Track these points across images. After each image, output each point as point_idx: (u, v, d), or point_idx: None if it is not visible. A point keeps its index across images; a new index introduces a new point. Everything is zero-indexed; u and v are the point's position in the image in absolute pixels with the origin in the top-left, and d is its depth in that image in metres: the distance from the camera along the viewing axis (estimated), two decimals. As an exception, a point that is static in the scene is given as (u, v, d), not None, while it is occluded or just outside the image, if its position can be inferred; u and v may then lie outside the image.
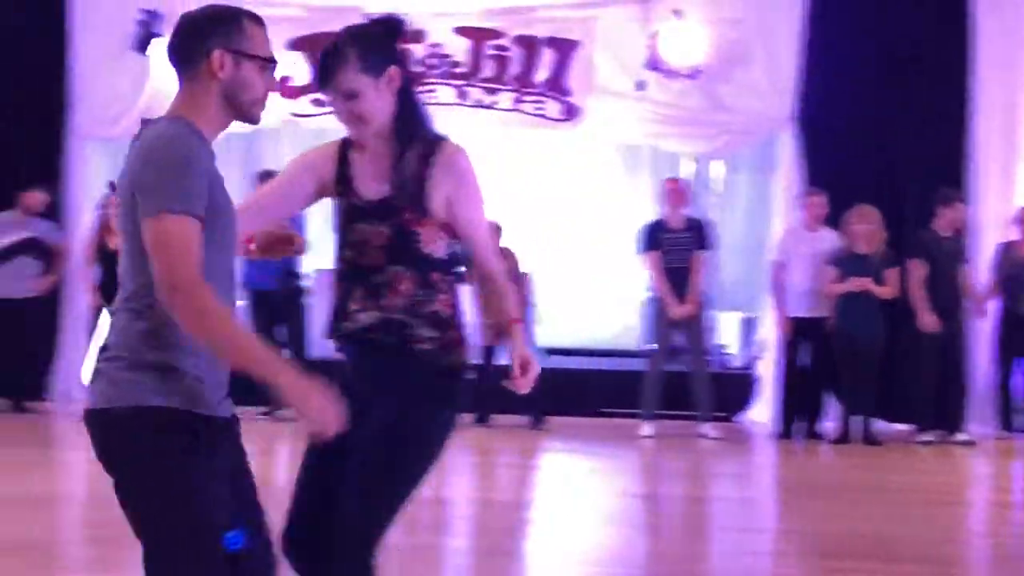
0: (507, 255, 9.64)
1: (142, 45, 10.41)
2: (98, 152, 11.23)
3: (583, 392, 10.03)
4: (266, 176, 10.27)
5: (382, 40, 3.03)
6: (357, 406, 2.76)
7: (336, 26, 9.21)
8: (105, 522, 5.49)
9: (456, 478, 7.55)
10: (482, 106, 10.64)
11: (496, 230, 9.34)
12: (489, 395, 8.97)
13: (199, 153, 2.43)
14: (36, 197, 10.06)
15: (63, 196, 10.62)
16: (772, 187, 10.58)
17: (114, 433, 2.46)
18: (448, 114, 10.63)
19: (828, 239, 9.29)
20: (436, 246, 2.97)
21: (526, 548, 5.93)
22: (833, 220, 9.47)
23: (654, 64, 9.97)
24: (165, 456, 2.42)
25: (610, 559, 5.61)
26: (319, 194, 3.12)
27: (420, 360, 2.95)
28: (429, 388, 2.96)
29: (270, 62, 2.60)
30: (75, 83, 10.72)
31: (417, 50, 10.52)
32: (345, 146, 3.09)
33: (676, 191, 9.44)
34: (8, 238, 10.12)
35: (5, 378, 10.15)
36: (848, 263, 9.00)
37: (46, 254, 10.21)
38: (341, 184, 3.04)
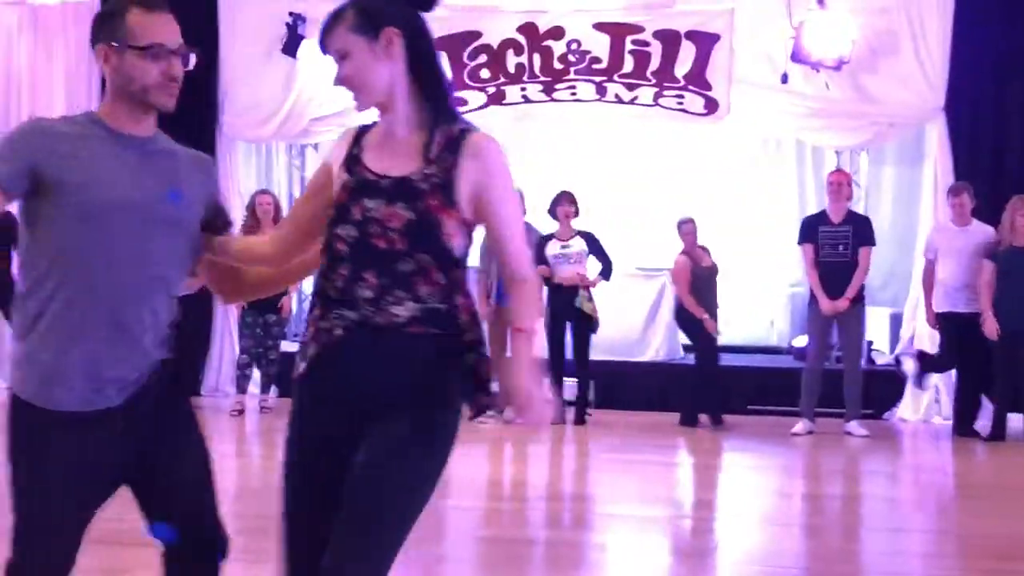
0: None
1: (290, 48, 10.65)
2: (247, 154, 11.63)
3: (728, 389, 9.81)
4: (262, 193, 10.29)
5: (387, 2, 2.76)
6: (364, 403, 2.58)
7: (476, 28, 9.16)
8: (252, 514, 5.88)
9: (610, 476, 7.71)
10: (622, 102, 10.54)
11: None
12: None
13: (26, 133, 2.59)
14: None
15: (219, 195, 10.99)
16: (919, 179, 10.41)
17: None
18: (589, 110, 10.76)
19: (980, 233, 9.04)
20: (457, 241, 2.67)
21: (690, 546, 5.88)
22: (986, 213, 9.20)
23: (797, 56, 9.83)
24: (10, 443, 2.63)
25: (764, 557, 5.49)
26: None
27: (455, 356, 2.66)
28: (456, 388, 2.66)
29: (150, 48, 2.62)
30: (224, 85, 10.95)
31: (557, 47, 10.57)
32: (361, 131, 2.85)
33: (838, 183, 9.33)
34: None
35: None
36: (1008, 257, 8.74)
37: None
38: (350, 162, 2.75)
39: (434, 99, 2.73)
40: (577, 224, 9.81)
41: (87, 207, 2.60)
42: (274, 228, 9.58)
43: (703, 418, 9.41)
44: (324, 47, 2.78)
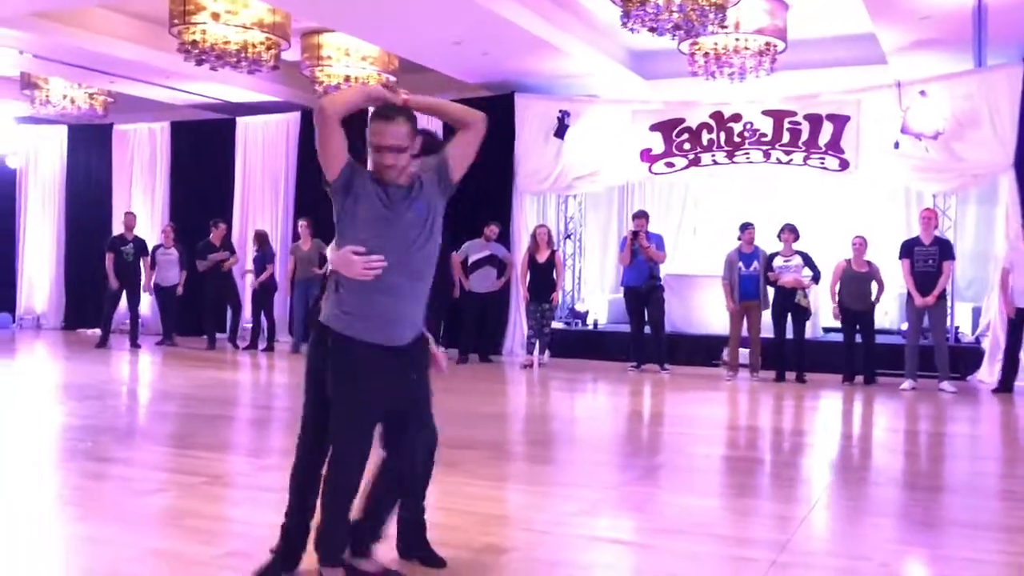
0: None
1: (560, 133, 12.29)
2: (531, 201, 13.08)
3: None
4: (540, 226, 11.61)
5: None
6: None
7: (681, 115, 11.63)
8: (537, 431, 7.20)
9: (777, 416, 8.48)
10: (781, 163, 11.58)
11: None
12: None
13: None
14: (493, 229, 11.63)
15: (510, 229, 12.37)
16: (993, 215, 11.09)
17: None
18: (758, 169, 11.77)
19: None
20: None
21: (807, 464, 6.32)
22: None
23: (906, 130, 10.75)
24: None
25: (873, 469, 6.06)
26: None
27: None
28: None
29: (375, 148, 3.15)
30: (518, 156, 12.52)
31: (736, 127, 11.66)
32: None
33: (928, 217, 10.18)
34: (478, 255, 11.67)
35: (478, 341, 11.86)
36: None
37: (501, 265, 11.74)
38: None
39: None
40: (765, 243, 10.64)
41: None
42: (546, 248, 11.44)
43: (858, 378, 10.14)
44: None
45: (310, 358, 3.33)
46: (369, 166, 3.29)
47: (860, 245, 10.32)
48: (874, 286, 10.28)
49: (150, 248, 13.71)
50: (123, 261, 13.16)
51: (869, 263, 10.31)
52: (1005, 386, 9.74)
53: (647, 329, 11.21)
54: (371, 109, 3.27)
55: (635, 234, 11.06)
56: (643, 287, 11.05)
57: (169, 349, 13.08)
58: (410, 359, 3.28)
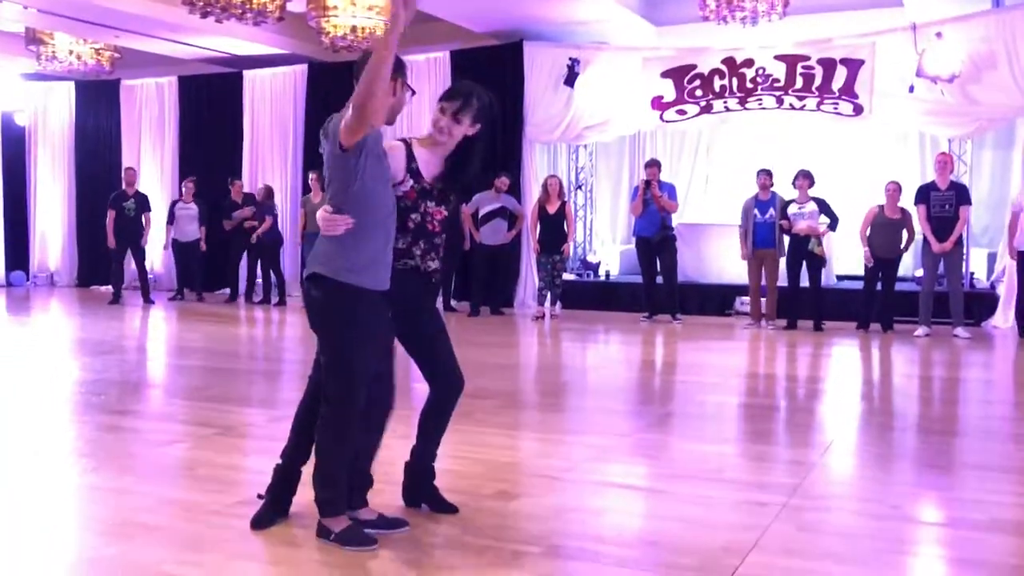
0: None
1: (570, 81, 12.19)
2: (541, 151, 13.13)
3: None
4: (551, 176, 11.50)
5: (486, 107, 3.56)
6: (417, 305, 3.50)
7: (693, 62, 11.54)
8: (549, 381, 7.29)
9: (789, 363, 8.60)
10: (794, 108, 11.58)
11: None
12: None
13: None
14: (504, 181, 11.52)
15: (520, 180, 12.36)
16: (1010, 159, 11.04)
17: None
18: (770, 115, 11.72)
19: None
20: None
21: (820, 410, 6.34)
22: None
23: (921, 73, 10.73)
24: None
25: (887, 414, 5.99)
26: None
27: (436, 288, 3.65)
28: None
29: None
30: (528, 106, 12.46)
31: (748, 73, 11.58)
32: (408, 147, 3.50)
33: (944, 162, 10.12)
34: (489, 207, 11.58)
35: (489, 294, 11.84)
36: None
37: (511, 217, 11.74)
38: (412, 174, 3.46)
39: (467, 163, 3.55)
40: (782, 190, 10.51)
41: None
42: (556, 198, 11.33)
43: (874, 325, 10.16)
44: (455, 106, 3.45)
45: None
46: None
47: (894, 191, 10.23)
48: (904, 234, 10.19)
49: (160, 204, 13.70)
50: (125, 217, 13.13)
51: (903, 210, 10.22)
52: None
53: (659, 279, 11.18)
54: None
55: (647, 183, 10.99)
56: (655, 237, 11.00)
57: (183, 304, 13.13)
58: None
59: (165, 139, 15.43)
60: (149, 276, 13.74)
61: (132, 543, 3.25)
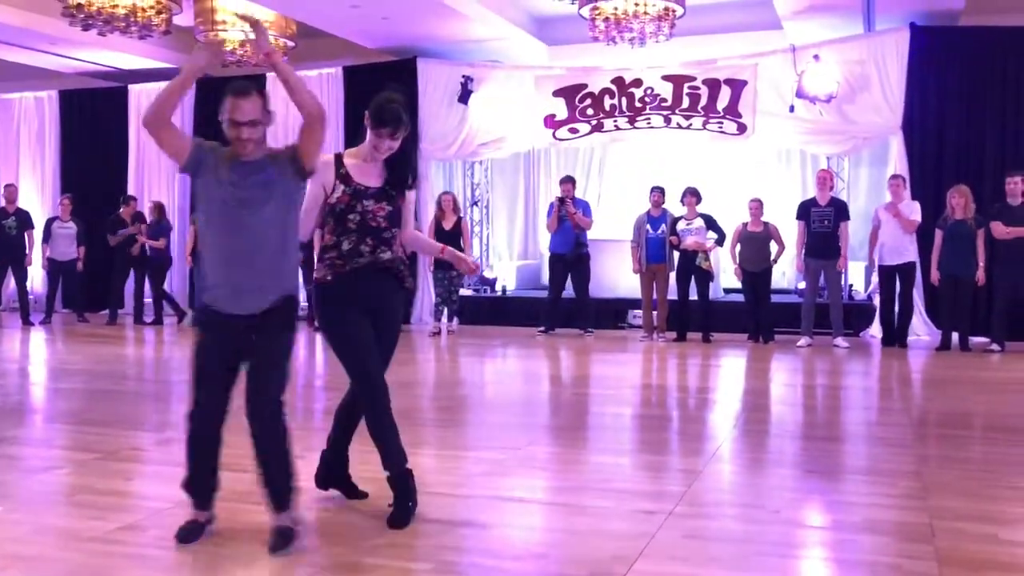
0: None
1: (463, 98, 12.22)
2: (437, 168, 13.08)
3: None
4: (445, 193, 11.34)
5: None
6: (374, 303, 3.64)
7: (584, 81, 11.66)
8: (445, 397, 7.23)
9: (678, 375, 8.72)
10: (682, 127, 11.77)
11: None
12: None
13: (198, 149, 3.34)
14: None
15: (417, 196, 13.05)
16: (884, 175, 11.22)
17: None
18: (658, 134, 11.91)
19: (915, 209, 9.93)
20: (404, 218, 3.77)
21: (710, 419, 6.48)
22: (935, 198, 10.21)
23: (801, 93, 11.05)
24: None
25: (777, 423, 6.13)
26: (325, 195, 3.68)
27: (401, 279, 3.75)
28: (401, 293, 3.79)
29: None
30: (422, 123, 12.31)
31: (637, 92, 11.76)
32: (337, 159, 3.69)
33: (824, 178, 10.44)
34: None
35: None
36: (951, 228, 9.71)
37: None
38: (342, 179, 3.63)
39: (403, 158, 3.73)
40: (672, 207, 10.72)
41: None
42: (452, 214, 11.11)
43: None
44: (396, 131, 3.63)
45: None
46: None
47: (756, 207, 10.56)
48: (773, 246, 10.51)
49: (37, 222, 13.16)
50: (6, 235, 12.60)
51: (766, 224, 10.55)
52: (888, 340, 10.15)
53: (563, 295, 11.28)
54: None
55: (562, 200, 11.07)
56: (570, 254, 11.12)
57: (67, 326, 12.64)
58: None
59: (45, 155, 14.86)
60: (29, 296, 13.16)
61: (9, 574, 3.14)
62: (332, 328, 3.63)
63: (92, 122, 14.40)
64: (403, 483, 3.64)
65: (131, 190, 14.02)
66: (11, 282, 13.06)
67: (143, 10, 9.71)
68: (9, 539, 3.53)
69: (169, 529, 3.53)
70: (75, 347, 10.65)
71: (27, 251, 12.81)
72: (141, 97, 14.05)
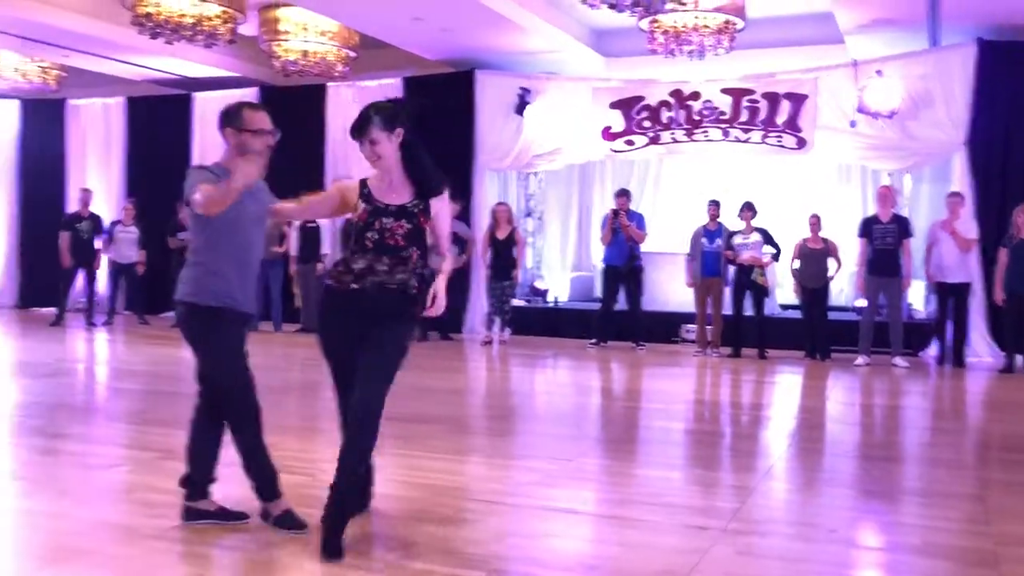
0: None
1: (520, 110, 12.26)
2: (492, 178, 13.07)
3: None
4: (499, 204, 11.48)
5: (395, 112, 3.58)
6: (367, 322, 3.50)
7: (641, 93, 11.65)
8: (496, 406, 7.21)
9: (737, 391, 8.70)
10: (740, 141, 11.67)
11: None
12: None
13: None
14: (455, 207, 10.98)
15: (471, 206, 12.28)
16: (947, 192, 10.77)
17: None
18: (715, 147, 11.78)
19: (972, 227, 9.86)
20: (428, 236, 3.65)
21: (763, 436, 6.41)
22: (998, 216, 10.08)
23: (862, 108, 10.86)
24: None
25: (832, 442, 6.08)
26: (342, 209, 3.70)
27: (414, 299, 3.56)
28: (409, 312, 3.58)
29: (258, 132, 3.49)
30: (479, 134, 12.46)
31: (695, 105, 11.69)
32: (363, 182, 3.67)
33: (885, 195, 10.27)
34: None
35: (438, 319, 11.69)
36: (1016, 247, 9.56)
37: (462, 242, 11.53)
38: (364, 198, 3.59)
39: (418, 162, 3.61)
40: (728, 221, 10.75)
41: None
42: (506, 225, 11.52)
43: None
44: (360, 136, 3.54)
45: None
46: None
47: (815, 223, 10.46)
48: (831, 263, 10.40)
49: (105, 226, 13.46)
50: (79, 239, 12.87)
51: (825, 240, 10.45)
52: (941, 359, 10.06)
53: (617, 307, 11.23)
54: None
55: (616, 212, 11.06)
56: (624, 267, 11.10)
57: (128, 327, 12.88)
58: None
59: (112, 160, 15.15)
60: (95, 299, 13.41)
61: (65, 568, 3.18)
62: (319, 335, 3.71)
63: (157, 128, 14.63)
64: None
65: (194, 196, 14.20)
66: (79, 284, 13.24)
67: (209, 19, 9.90)
68: (68, 533, 3.60)
69: (224, 527, 3.56)
70: (136, 348, 10.86)
71: (98, 254, 13.08)
72: (205, 104, 14.27)
